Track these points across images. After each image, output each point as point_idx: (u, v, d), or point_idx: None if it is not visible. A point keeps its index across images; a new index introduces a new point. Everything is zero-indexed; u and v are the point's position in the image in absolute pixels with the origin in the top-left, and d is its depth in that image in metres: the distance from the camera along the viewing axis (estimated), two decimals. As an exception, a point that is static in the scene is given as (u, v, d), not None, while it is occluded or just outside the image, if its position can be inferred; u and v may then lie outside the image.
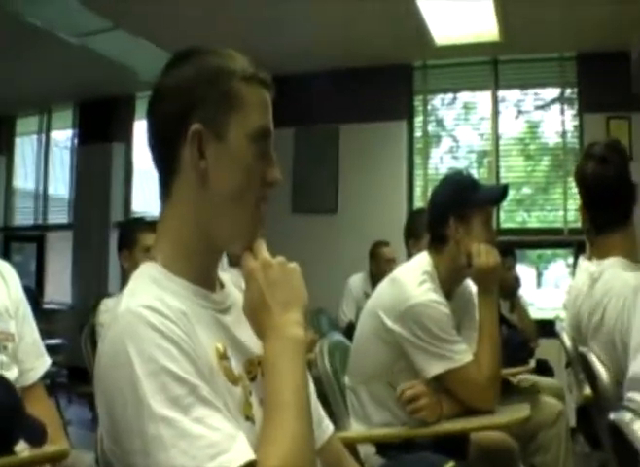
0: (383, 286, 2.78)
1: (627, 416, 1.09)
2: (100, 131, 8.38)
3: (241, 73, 1.30)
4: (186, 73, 1.31)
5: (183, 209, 1.31)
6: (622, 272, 2.29)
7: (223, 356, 1.25)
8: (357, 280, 6.00)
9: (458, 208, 2.67)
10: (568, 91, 7.05)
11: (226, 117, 1.28)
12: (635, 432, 1.04)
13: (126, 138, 8.56)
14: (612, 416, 1.14)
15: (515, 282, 4.97)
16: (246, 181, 1.29)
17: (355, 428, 2.60)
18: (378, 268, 5.61)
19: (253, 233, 1.33)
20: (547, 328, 4.45)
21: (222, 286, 1.40)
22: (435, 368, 2.51)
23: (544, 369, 4.65)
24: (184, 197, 1.31)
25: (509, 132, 7.30)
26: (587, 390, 2.38)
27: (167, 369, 1.10)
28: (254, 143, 1.29)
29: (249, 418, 1.24)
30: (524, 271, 7.00)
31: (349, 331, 3.99)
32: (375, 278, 5.25)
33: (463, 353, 2.54)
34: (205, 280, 1.33)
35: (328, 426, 1.53)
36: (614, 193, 2.42)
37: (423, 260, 2.75)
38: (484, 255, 2.62)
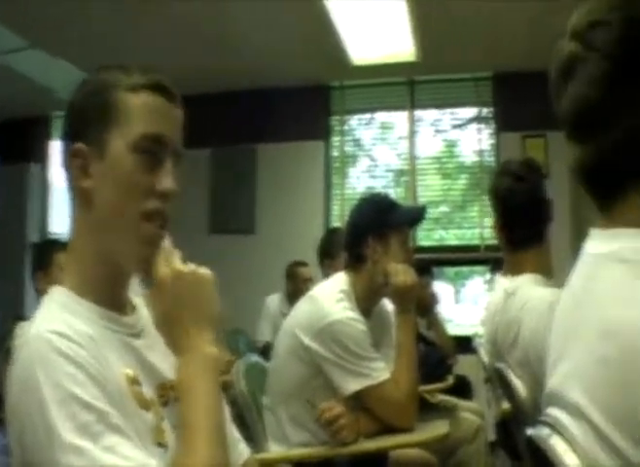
0: (300, 305, 2.78)
1: (545, 432, 1.10)
2: (17, 151, 8.20)
3: (126, 84, 1.27)
4: (78, 92, 1.29)
5: (81, 231, 1.28)
6: (537, 288, 2.33)
7: (133, 381, 1.21)
8: (274, 300, 5.98)
9: (377, 228, 2.70)
10: (485, 111, 7.19)
11: (107, 131, 1.24)
12: (553, 447, 1.05)
13: (43, 158, 8.39)
14: (530, 432, 1.15)
15: (433, 299, 5.02)
16: (126, 193, 1.24)
17: (274, 449, 2.58)
18: (296, 287, 5.59)
19: (144, 249, 1.27)
20: (465, 344, 4.51)
21: (133, 309, 1.36)
22: (353, 385, 2.51)
23: (463, 385, 4.71)
24: (79, 218, 1.28)
25: (426, 151, 7.39)
26: (506, 405, 2.40)
27: (75, 395, 1.07)
28: (136, 153, 1.25)
29: (161, 445, 1.21)
30: (443, 288, 7.10)
31: (266, 351, 3.97)
32: (293, 298, 5.24)
33: (381, 371, 2.55)
34: (114, 303, 1.29)
35: (244, 450, 1.50)
36: (528, 210, 2.46)
37: (340, 279, 2.76)
38: (402, 274, 2.65)
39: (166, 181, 1.27)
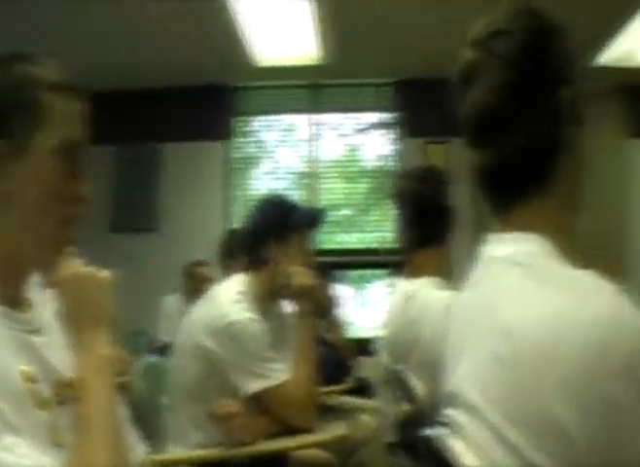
0: (200, 305, 2.76)
1: (443, 432, 1.11)
2: None
3: (48, 82, 1.23)
4: None
5: None
6: (436, 291, 2.38)
7: (29, 378, 1.17)
8: (173, 300, 5.89)
9: (277, 230, 2.70)
10: (388, 116, 7.28)
11: (31, 130, 1.20)
12: (450, 447, 1.07)
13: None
14: (428, 432, 1.16)
15: (333, 302, 5.04)
16: (48, 198, 1.22)
17: (174, 450, 2.56)
18: (195, 287, 5.52)
19: (55, 253, 1.26)
20: (367, 346, 4.55)
21: (30, 306, 1.33)
22: (252, 386, 2.51)
23: (363, 386, 4.74)
24: None
25: (329, 155, 7.44)
26: (406, 406, 2.43)
27: None
28: (58, 157, 1.22)
29: (57, 444, 1.17)
30: (345, 291, 7.12)
31: (165, 351, 3.92)
32: (192, 298, 5.19)
33: (280, 372, 2.56)
34: (12, 301, 1.24)
35: (141, 451, 1.48)
36: (429, 212, 2.51)
37: (239, 280, 2.75)
38: (301, 276, 2.66)
39: (84, 188, 1.26)
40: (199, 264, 5.75)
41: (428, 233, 2.52)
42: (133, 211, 7.15)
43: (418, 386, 2.16)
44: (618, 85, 7.52)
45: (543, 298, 1.04)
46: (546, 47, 1.15)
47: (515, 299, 1.07)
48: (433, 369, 2.12)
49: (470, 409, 1.06)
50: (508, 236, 1.16)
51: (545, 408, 0.95)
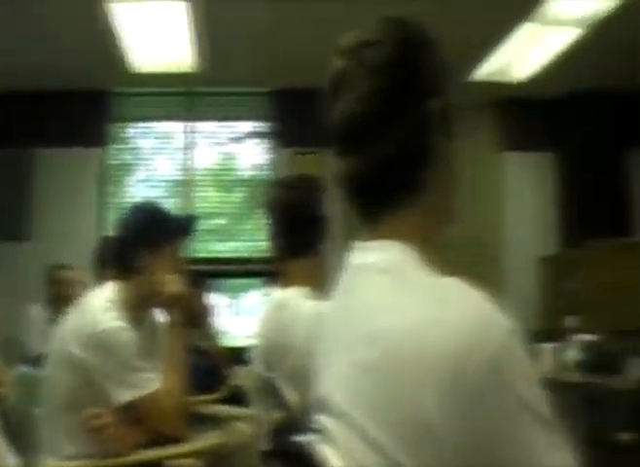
0: (70, 314, 2.71)
1: (313, 438, 1.12)
2: None
3: None
4: None
5: None
6: (306, 300, 2.40)
7: None
8: (37, 308, 5.68)
9: (148, 238, 2.68)
10: (262, 126, 7.30)
11: None
12: (320, 453, 1.08)
13: None
14: (299, 439, 1.17)
15: (207, 311, 5.02)
16: None
17: (47, 462, 2.50)
18: (59, 292, 5.36)
19: None
20: (241, 355, 4.55)
21: None
22: (123, 396, 2.48)
23: (239, 395, 4.73)
24: None
25: (204, 163, 7.39)
26: (278, 414, 2.44)
27: None
28: None
29: None
30: (219, 300, 7.09)
31: (39, 361, 3.82)
32: (56, 304, 5.05)
33: (151, 381, 2.54)
34: None
35: (11, 462, 1.44)
36: (301, 222, 2.52)
37: (111, 288, 2.71)
38: (172, 285, 2.64)
39: None
40: (60, 267, 5.58)
41: (299, 243, 2.53)
42: (5, 217, 6.90)
43: (290, 394, 2.18)
44: (492, 99, 7.78)
45: (408, 303, 1.05)
46: (416, 58, 1.17)
47: (380, 305, 1.08)
48: (304, 376, 2.15)
49: (339, 414, 1.07)
50: (373, 245, 1.17)
51: (412, 411, 0.97)
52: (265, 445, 3.62)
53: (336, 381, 1.12)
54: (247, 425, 3.75)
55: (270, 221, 2.61)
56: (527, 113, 7.89)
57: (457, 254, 7.43)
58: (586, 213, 7.36)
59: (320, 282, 2.55)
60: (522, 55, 6.74)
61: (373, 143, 1.13)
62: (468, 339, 0.98)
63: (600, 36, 6.25)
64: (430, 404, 0.96)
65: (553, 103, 7.90)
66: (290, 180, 2.64)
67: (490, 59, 6.76)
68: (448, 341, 0.98)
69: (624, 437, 3.46)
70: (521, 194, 7.84)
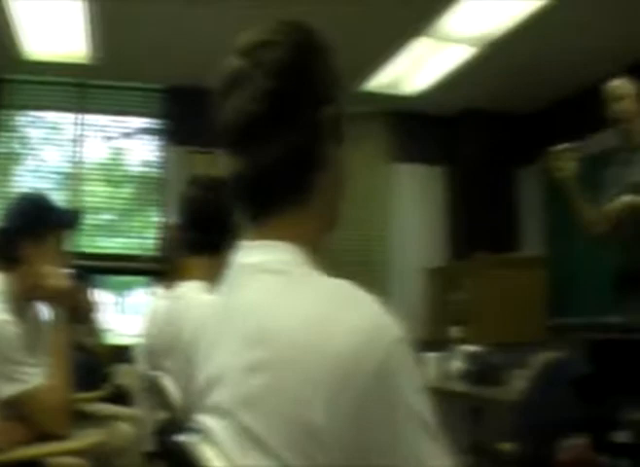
0: None
1: (194, 438, 1.12)
2: None
3: None
4: None
5: None
6: (201, 296, 2.39)
7: None
8: None
9: (32, 229, 2.63)
10: (155, 122, 7.21)
11: None
12: (200, 453, 1.07)
13: None
14: (179, 438, 1.16)
15: (92, 307, 4.94)
16: None
17: None
18: None
19: None
20: (125, 353, 4.49)
21: None
22: (5, 390, 2.42)
23: (122, 393, 4.66)
24: None
25: (94, 157, 7.25)
26: (162, 414, 2.42)
27: None
28: None
29: None
30: (105, 297, 6.98)
31: None
32: None
33: (34, 376, 2.48)
34: None
35: None
36: (207, 219, 2.51)
37: None
38: (54, 278, 2.60)
39: None
40: None
41: (203, 240, 2.52)
42: None
43: (174, 393, 2.16)
44: (385, 110, 7.90)
45: (298, 304, 1.05)
46: (311, 62, 1.18)
47: (268, 305, 1.08)
48: (188, 375, 2.14)
49: (224, 414, 1.06)
50: (260, 244, 1.17)
51: (299, 412, 0.97)
52: (148, 445, 3.59)
53: (218, 380, 1.11)
54: (130, 425, 3.70)
55: (182, 215, 2.59)
56: (419, 126, 8.08)
57: (345, 261, 7.55)
58: (474, 227, 7.57)
59: (219, 280, 2.54)
60: (416, 69, 6.87)
61: (263, 144, 1.13)
62: (358, 342, 0.98)
63: (494, 56, 6.44)
64: (317, 406, 0.96)
65: (446, 118, 8.12)
66: (205, 178, 2.62)
67: (384, 71, 6.86)
68: (339, 343, 0.98)
69: (506, 447, 3.56)
70: (411, 205, 8.00)
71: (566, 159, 4.13)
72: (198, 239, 2.54)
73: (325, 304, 1.04)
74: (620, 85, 4.16)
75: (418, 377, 1.02)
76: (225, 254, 2.54)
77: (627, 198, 3.81)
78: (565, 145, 4.20)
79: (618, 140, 4.30)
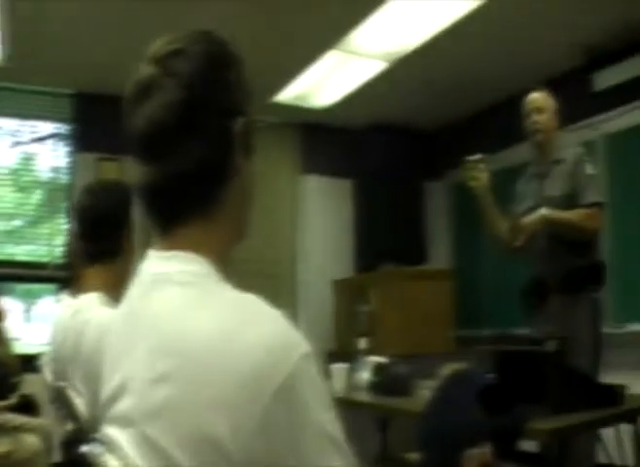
0: None
1: (98, 449, 1.11)
2: None
3: None
4: None
5: None
6: (101, 307, 2.36)
7: None
8: None
9: None
10: (63, 128, 7.09)
11: None
12: (104, 464, 1.07)
13: None
14: (84, 449, 1.15)
15: (-1, 315, 4.84)
16: None
17: None
18: None
19: None
20: (33, 363, 4.40)
21: None
22: None
23: (29, 404, 4.58)
24: None
25: (2, 162, 7.08)
26: (69, 425, 2.39)
27: None
28: None
29: None
30: (12, 305, 6.83)
31: None
32: None
33: None
34: None
35: None
36: (103, 228, 2.48)
37: None
38: None
39: None
40: None
41: (95, 250, 2.49)
42: None
43: (80, 404, 2.13)
44: (295, 122, 7.95)
45: (203, 318, 1.04)
46: (222, 74, 1.17)
47: (174, 317, 1.07)
48: (94, 386, 2.12)
49: (127, 424, 1.06)
50: (167, 255, 1.16)
51: (204, 426, 0.96)
52: (56, 456, 3.53)
53: (125, 390, 1.10)
54: (37, 436, 3.63)
55: (73, 226, 2.55)
56: (329, 139, 8.18)
57: (252, 272, 7.55)
58: (381, 239, 7.66)
59: (119, 290, 2.50)
60: (326, 82, 6.94)
61: (172, 154, 1.13)
62: (262, 359, 0.98)
63: (404, 71, 6.55)
64: (222, 422, 0.96)
65: (355, 132, 8.21)
66: (97, 185, 2.58)
67: (295, 83, 6.90)
68: (243, 361, 0.98)
69: (412, 457, 3.60)
70: (319, 217, 8.09)
71: (480, 169, 4.21)
72: (90, 249, 2.51)
73: (229, 319, 1.04)
74: (539, 97, 4.27)
75: (325, 392, 1.03)
76: (121, 263, 2.52)
77: (543, 212, 3.90)
78: (479, 155, 4.28)
79: (532, 154, 4.42)
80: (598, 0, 5.36)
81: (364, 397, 3.90)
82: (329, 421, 1.00)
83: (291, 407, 0.97)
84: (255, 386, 0.96)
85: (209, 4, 5.10)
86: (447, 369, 3.15)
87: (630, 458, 3.31)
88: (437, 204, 8.40)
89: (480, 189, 4.24)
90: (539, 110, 4.21)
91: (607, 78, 6.16)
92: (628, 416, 3.14)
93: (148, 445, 1.01)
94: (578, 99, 5.76)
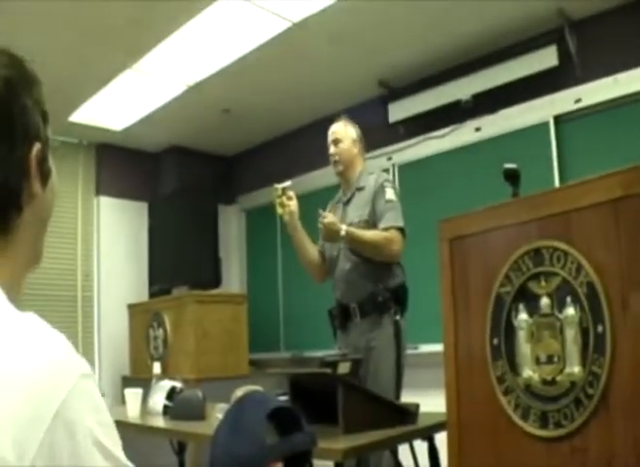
0: None
1: None
2: None
3: None
4: None
5: None
6: None
7: None
8: None
9: None
10: None
11: None
12: None
13: None
14: None
15: None
16: None
17: None
18: None
19: None
20: None
21: None
22: None
23: None
24: None
25: None
26: None
27: None
28: None
29: None
30: None
31: None
32: None
33: None
34: None
35: None
36: None
37: None
38: None
39: None
40: None
41: None
42: None
43: None
44: (90, 143, 7.82)
45: None
46: (19, 98, 1.11)
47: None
48: None
49: None
50: None
51: None
52: None
53: None
54: None
55: None
56: (125, 160, 8.10)
57: (47, 296, 7.28)
58: (175, 263, 7.60)
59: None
60: (123, 104, 6.88)
61: None
62: (38, 383, 0.94)
63: (201, 96, 6.58)
64: (5, 445, 0.91)
65: (151, 154, 8.18)
66: None
67: (91, 103, 6.77)
68: (25, 380, 0.93)
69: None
70: (115, 239, 7.96)
71: (289, 196, 4.24)
72: None
73: (7, 342, 1.00)
74: (337, 128, 4.39)
75: (106, 414, 1.00)
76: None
77: (343, 228, 3.98)
78: (288, 182, 4.32)
79: (337, 180, 4.55)
80: (397, 38, 5.68)
81: (159, 422, 3.84)
82: (111, 445, 0.98)
83: (70, 434, 0.93)
84: (32, 414, 0.92)
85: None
86: (240, 391, 3.16)
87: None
88: (231, 228, 8.45)
89: (289, 215, 4.29)
90: (336, 141, 4.34)
91: (400, 110, 6.49)
92: (422, 434, 3.24)
93: None
94: (375, 129, 5.97)
